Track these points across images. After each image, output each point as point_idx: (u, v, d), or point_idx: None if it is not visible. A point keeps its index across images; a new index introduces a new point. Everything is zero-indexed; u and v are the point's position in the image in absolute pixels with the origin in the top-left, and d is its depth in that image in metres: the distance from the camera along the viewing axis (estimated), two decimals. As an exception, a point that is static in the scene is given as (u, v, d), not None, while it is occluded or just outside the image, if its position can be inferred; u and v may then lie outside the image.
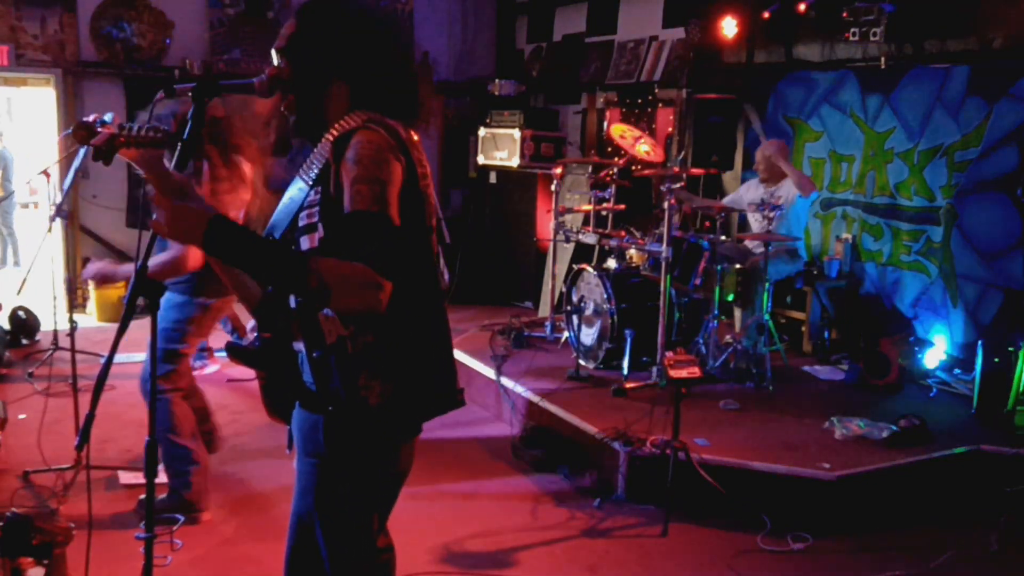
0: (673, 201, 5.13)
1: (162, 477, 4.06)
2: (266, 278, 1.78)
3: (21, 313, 6.52)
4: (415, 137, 1.94)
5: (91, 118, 3.75)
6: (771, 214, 5.22)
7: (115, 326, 2.01)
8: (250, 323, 1.98)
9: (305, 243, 1.85)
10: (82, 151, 3.84)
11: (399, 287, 1.76)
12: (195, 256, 3.47)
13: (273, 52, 1.97)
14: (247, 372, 4.71)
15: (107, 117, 3.81)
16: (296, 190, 1.92)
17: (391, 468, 2.00)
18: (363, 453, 1.93)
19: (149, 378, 3.73)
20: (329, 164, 1.84)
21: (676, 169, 5.45)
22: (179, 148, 1.94)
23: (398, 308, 1.79)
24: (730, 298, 5.59)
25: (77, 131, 1.95)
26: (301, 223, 1.86)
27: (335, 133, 1.87)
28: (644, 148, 6.23)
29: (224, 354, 6.41)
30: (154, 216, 1.65)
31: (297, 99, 1.93)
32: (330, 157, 1.84)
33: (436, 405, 1.99)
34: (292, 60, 1.93)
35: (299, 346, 1.92)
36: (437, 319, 1.98)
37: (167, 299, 3.67)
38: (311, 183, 1.87)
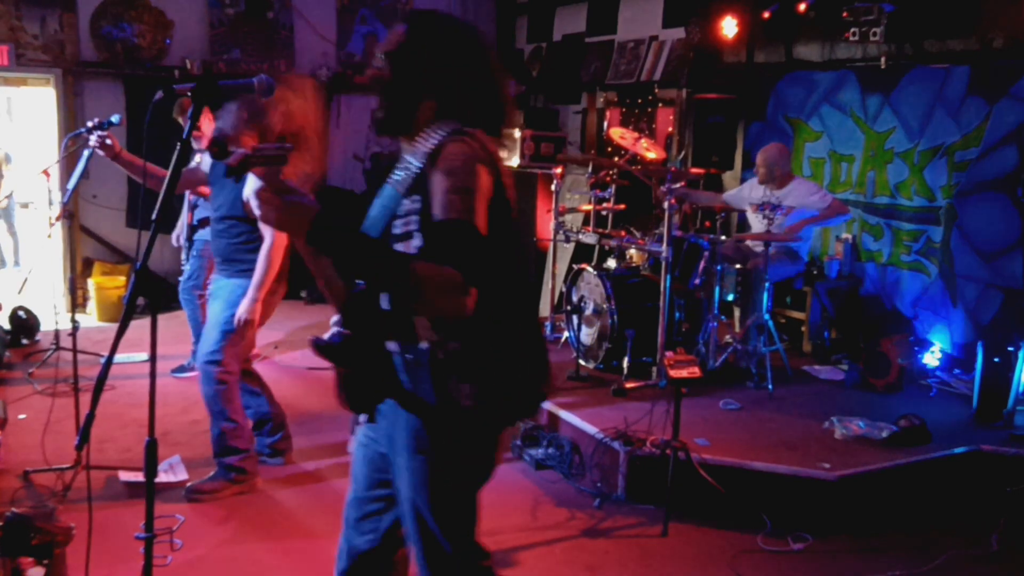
0: (673, 201, 5.13)
1: (161, 477, 4.09)
2: (364, 273, 1.85)
3: (21, 313, 6.52)
4: (496, 149, 2.01)
5: (95, 121, 3.78)
6: (771, 214, 5.22)
7: (115, 326, 2.01)
8: (333, 317, 2.06)
9: (399, 249, 1.90)
10: (86, 152, 3.84)
11: (486, 294, 1.83)
12: (280, 246, 3.78)
13: (379, 53, 2.03)
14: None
15: (114, 119, 3.84)
16: (387, 198, 1.99)
17: (489, 463, 2.10)
18: (464, 450, 2.03)
19: (207, 362, 3.85)
20: (425, 174, 1.90)
21: (674, 168, 5.45)
22: (179, 147, 1.95)
23: (485, 315, 1.86)
24: (730, 298, 5.59)
25: (211, 147, 2.03)
26: (396, 231, 1.92)
27: (427, 143, 1.94)
28: (644, 146, 6.23)
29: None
30: (261, 210, 1.74)
31: (392, 103, 2.00)
32: (426, 167, 1.90)
33: (522, 408, 2.09)
34: (396, 65, 1.99)
35: (393, 346, 1.98)
36: (526, 323, 2.05)
37: (239, 286, 3.85)
38: (405, 191, 1.93)
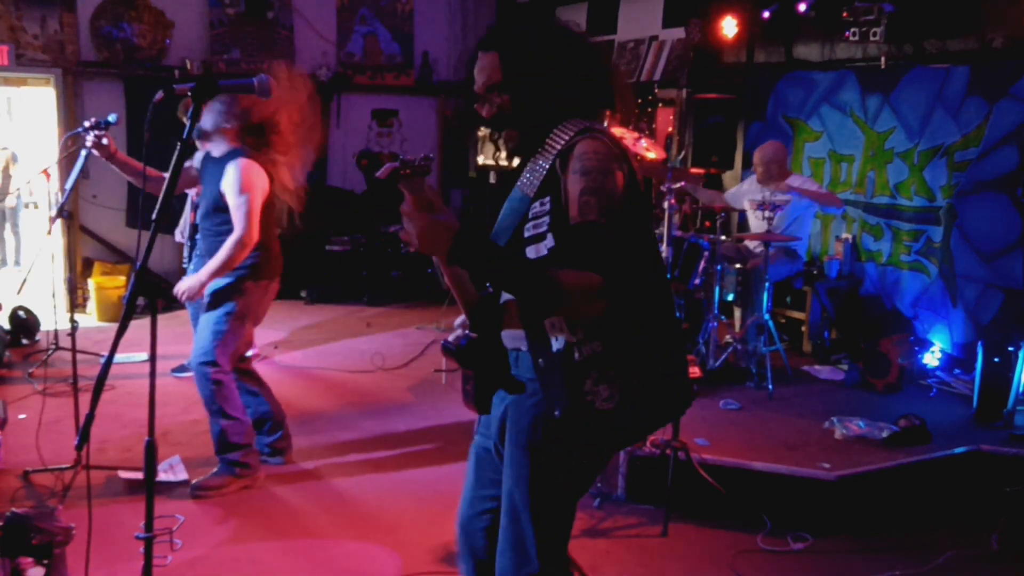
0: (673, 201, 5.13)
1: (161, 477, 4.08)
2: (507, 285, 1.86)
3: (21, 313, 6.52)
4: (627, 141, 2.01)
5: (92, 121, 3.78)
6: (771, 214, 5.22)
7: (115, 326, 2.01)
8: (459, 319, 2.09)
9: (531, 252, 1.90)
10: (84, 152, 3.85)
11: (628, 295, 1.83)
12: (252, 236, 3.78)
13: (479, 93, 2.02)
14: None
15: (111, 118, 3.84)
16: (516, 201, 1.98)
17: (598, 467, 2.09)
18: (580, 452, 2.00)
19: (201, 363, 3.88)
20: (556, 175, 1.89)
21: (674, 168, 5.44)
22: (179, 147, 1.95)
23: (627, 316, 1.86)
24: (730, 298, 5.59)
25: (360, 160, 2.07)
26: (527, 234, 1.92)
27: (556, 144, 1.92)
28: (644, 146, 6.22)
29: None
30: (405, 228, 1.75)
31: (522, 130, 2.00)
32: (557, 168, 1.89)
33: (663, 413, 2.09)
34: (511, 94, 1.97)
35: (517, 343, 1.99)
36: (666, 325, 2.03)
37: (227, 285, 3.87)
38: (535, 194, 1.92)
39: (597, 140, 1.88)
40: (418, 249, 1.75)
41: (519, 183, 2.01)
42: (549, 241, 1.87)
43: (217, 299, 3.91)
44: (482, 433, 2.20)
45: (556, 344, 1.90)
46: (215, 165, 3.91)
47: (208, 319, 3.93)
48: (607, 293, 1.78)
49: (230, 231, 3.81)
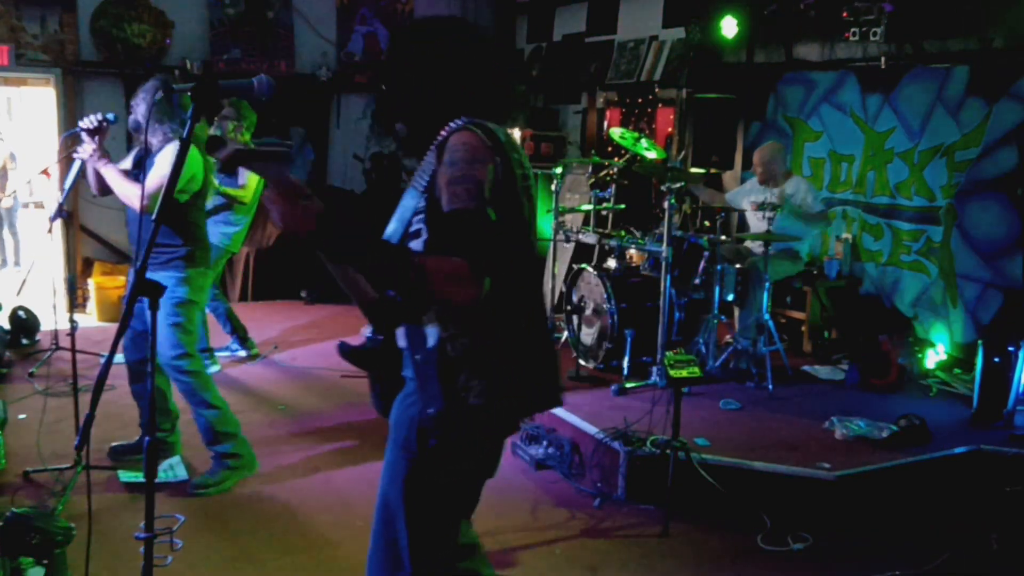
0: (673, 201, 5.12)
1: (161, 477, 4.08)
2: (366, 270, 1.81)
3: (21, 313, 6.51)
4: (517, 138, 2.00)
5: (89, 120, 3.77)
6: (771, 215, 5.22)
7: (115, 326, 2.01)
8: (365, 325, 2.04)
9: (416, 247, 1.90)
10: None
11: (497, 286, 1.79)
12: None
13: (384, 85, 2.05)
14: (249, 372, 4.67)
15: (110, 116, 3.84)
16: (409, 198, 1.98)
17: (481, 465, 2.07)
18: (457, 450, 1.98)
19: (172, 359, 3.88)
20: (435, 169, 1.89)
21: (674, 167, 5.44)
22: (180, 147, 1.95)
23: (496, 307, 1.84)
24: (730, 298, 5.60)
25: (208, 143, 2.04)
26: (412, 229, 1.92)
27: (438, 139, 1.93)
28: (644, 146, 6.23)
29: (225, 354, 6.44)
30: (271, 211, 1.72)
31: (410, 127, 2.02)
32: (435, 161, 1.89)
33: (534, 403, 2.04)
34: (408, 87, 1.99)
35: (403, 344, 1.97)
36: (536, 317, 2.02)
37: (167, 278, 3.85)
38: (423, 189, 1.92)
39: (469, 132, 1.88)
40: (282, 231, 1.71)
41: (412, 181, 2.00)
42: (425, 234, 1.87)
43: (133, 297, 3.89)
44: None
45: (431, 340, 1.89)
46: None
47: (161, 318, 3.85)
48: (475, 280, 1.73)
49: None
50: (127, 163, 4.06)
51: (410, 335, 1.94)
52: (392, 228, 1.99)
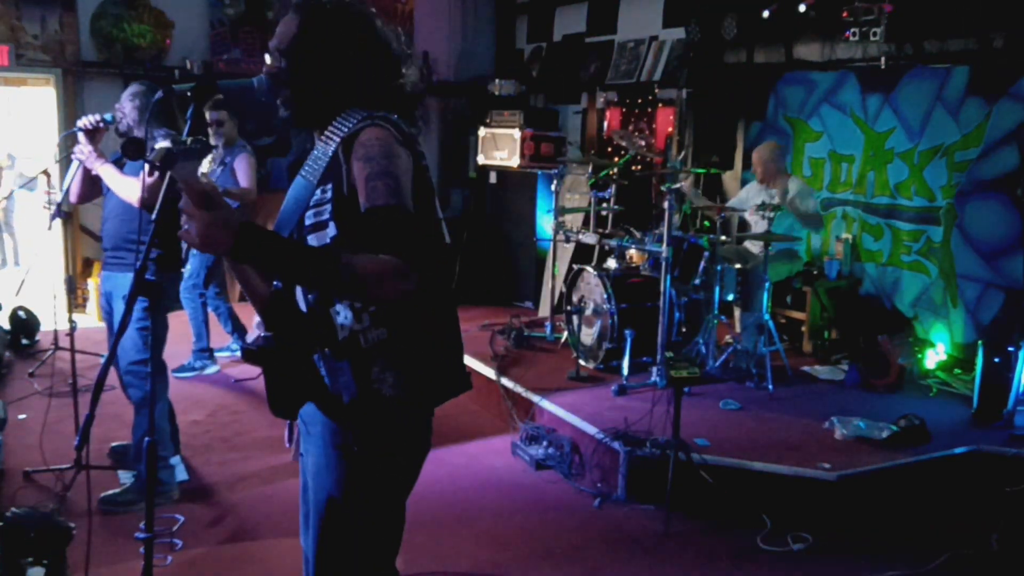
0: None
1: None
2: (298, 279, 1.78)
3: (21, 313, 6.52)
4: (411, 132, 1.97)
5: (88, 119, 3.77)
6: (771, 215, 5.22)
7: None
8: (255, 320, 1.99)
9: (313, 241, 1.87)
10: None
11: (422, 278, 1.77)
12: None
13: (270, 49, 1.97)
14: (251, 372, 4.69)
15: (108, 117, 3.84)
16: (300, 189, 1.94)
17: (411, 452, 2.04)
18: (384, 442, 1.96)
19: (131, 365, 3.84)
20: (339, 162, 1.86)
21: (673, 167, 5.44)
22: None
23: (413, 300, 1.80)
24: (730, 298, 5.60)
25: (125, 147, 2.00)
26: (308, 222, 1.88)
27: (339, 132, 1.89)
28: (644, 146, 6.23)
29: (225, 354, 6.43)
30: (184, 227, 1.63)
31: (292, 98, 1.95)
32: (340, 155, 1.86)
33: (448, 389, 2.01)
34: (290, 59, 1.94)
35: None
36: (446, 305, 2.00)
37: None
38: (317, 181, 1.89)
39: (380, 127, 1.86)
40: (199, 249, 1.63)
41: (301, 171, 1.96)
42: (331, 230, 1.84)
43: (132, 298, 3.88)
44: (306, 446, 2.12)
45: (341, 333, 1.87)
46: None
47: (131, 321, 3.79)
48: (409, 276, 1.72)
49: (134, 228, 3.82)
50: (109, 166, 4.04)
51: (319, 330, 1.90)
52: (281, 219, 1.94)
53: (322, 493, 1.98)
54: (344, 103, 1.94)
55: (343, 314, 1.87)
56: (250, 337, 1.97)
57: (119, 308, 3.86)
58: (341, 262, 1.69)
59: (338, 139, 1.88)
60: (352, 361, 1.88)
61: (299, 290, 1.95)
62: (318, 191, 1.88)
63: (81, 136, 3.75)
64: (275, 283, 1.96)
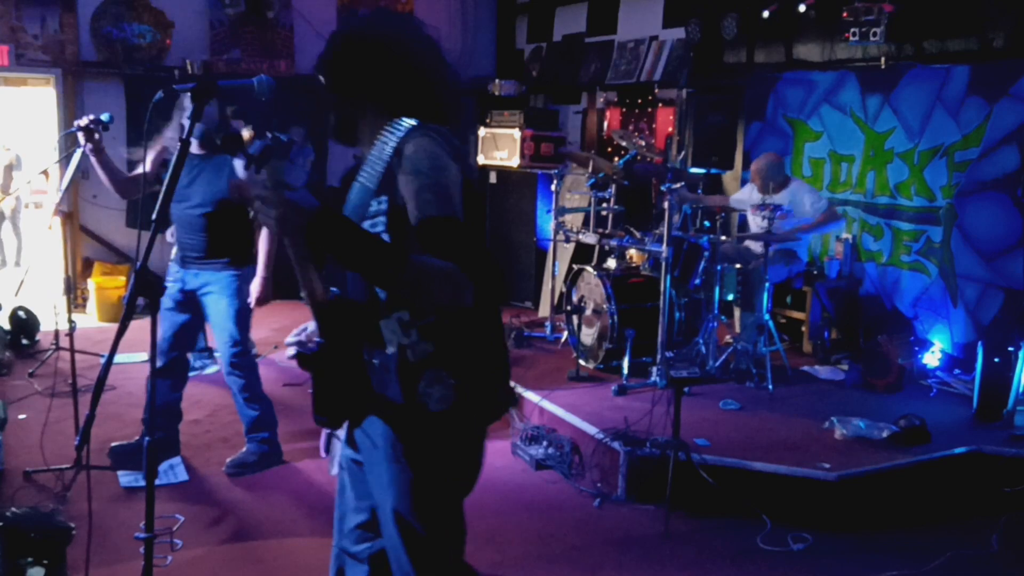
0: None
1: (161, 478, 4.08)
2: (365, 266, 1.78)
3: (21, 313, 6.51)
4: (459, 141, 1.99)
5: (87, 119, 3.78)
6: (771, 215, 5.22)
7: (115, 326, 2.01)
8: (309, 325, 2.01)
9: None
10: (78, 152, 3.85)
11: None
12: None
13: (317, 68, 2.02)
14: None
15: (104, 116, 3.85)
16: (359, 193, 1.96)
17: (470, 467, 2.06)
18: (441, 455, 1.98)
19: (235, 356, 4.10)
20: (393, 173, 1.87)
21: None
22: (179, 147, 1.95)
23: (461, 315, 1.83)
24: (730, 298, 5.59)
25: (225, 141, 2.06)
26: (371, 231, 1.89)
27: (387, 144, 1.91)
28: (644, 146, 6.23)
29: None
30: (263, 211, 1.70)
31: (340, 114, 2.00)
32: (392, 164, 1.88)
33: (493, 408, 2.04)
34: (335, 77, 1.98)
35: (364, 352, 1.96)
36: (494, 322, 2.01)
37: (235, 277, 4.11)
38: (375, 188, 1.90)
39: (428, 138, 1.87)
40: (277, 230, 1.70)
41: (359, 176, 1.98)
42: (388, 240, 1.86)
43: (232, 291, 4.11)
44: (349, 456, 2.16)
45: (390, 347, 1.89)
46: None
47: (227, 312, 4.09)
48: (467, 285, 1.75)
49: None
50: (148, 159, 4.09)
51: (368, 338, 1.92)
52: None
53: (386, 506, 2.01)
54: (391, 114, 1.95)
55: (392, 327, 1.88)
56: (288, 340, 1.97)
57: (220, 304, 4.09)
58: (410, 257, 1.72)
59: (391, 148, 1.89)
60: (400, 374, 1.89)
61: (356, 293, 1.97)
62: (374, 201, 1.90)
63: (80, 135, 3.76)
64: (332, 289, 1.97)
